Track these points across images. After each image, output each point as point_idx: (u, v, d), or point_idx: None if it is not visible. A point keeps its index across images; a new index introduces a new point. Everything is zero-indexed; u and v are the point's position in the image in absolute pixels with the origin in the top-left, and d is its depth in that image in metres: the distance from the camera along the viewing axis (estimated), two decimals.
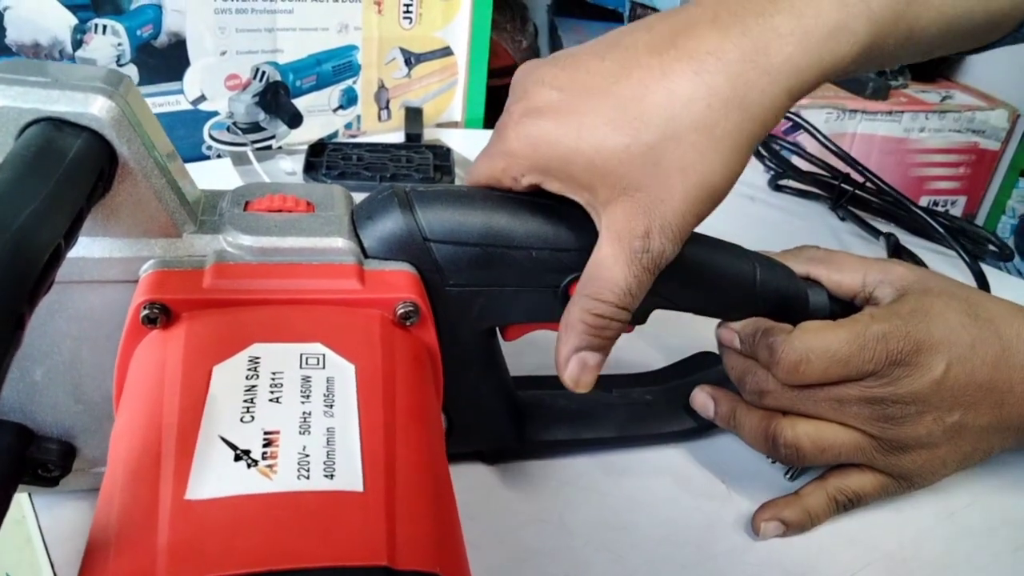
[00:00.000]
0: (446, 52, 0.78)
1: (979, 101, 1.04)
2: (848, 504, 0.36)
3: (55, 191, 0.21)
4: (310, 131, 0.73)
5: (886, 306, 0.36)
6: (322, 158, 0.66)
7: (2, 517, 0.20)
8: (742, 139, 0.28)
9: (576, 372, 0.31)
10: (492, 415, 0.35)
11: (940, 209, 1.09)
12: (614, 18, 0.99)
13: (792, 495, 0.37)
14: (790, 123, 0.96)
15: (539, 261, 0.31)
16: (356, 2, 0.70)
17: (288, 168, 0.68)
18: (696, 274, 0.34)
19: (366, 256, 0.29)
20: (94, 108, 0.24)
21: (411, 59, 0.77)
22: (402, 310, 0.28)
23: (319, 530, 0.19)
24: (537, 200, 0.31)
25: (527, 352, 0.36)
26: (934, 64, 1.11)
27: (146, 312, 0.25)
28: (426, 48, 0.77)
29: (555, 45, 1.01)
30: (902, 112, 0.98)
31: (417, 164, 0.68)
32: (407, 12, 0.74)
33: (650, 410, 0.39)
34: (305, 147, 0.68)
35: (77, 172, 0.23)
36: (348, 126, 0.76)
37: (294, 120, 0.72)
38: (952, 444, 0.35)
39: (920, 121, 0.99)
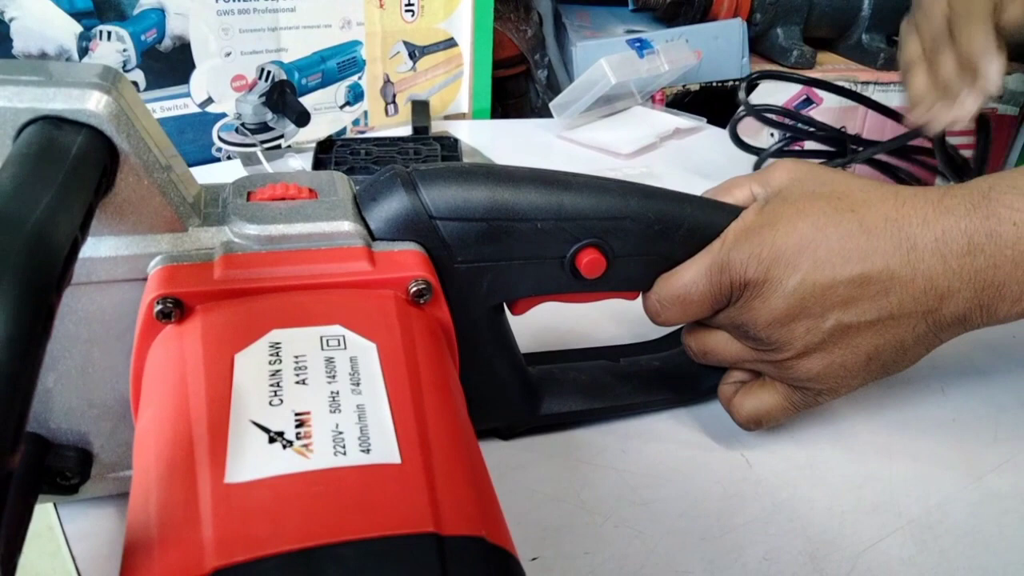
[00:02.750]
0: (450, 44, 0.78)
1: None
2: (750, 418, 0.37)
3: (65, 186, 0.21)
4: (318, 129, 0.74)
5: (741, 223, 0.35)
6: (330, 154, 0.66)
7: (25, 530, 0.20)
8: None
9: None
10: (506, 390, 0.35)
11: (957, 178, 1.08)
12: (618, 2, 0.98)
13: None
14: (803, 97, 0.95)
15: (544, 232, 0.31)
16: None
17: (297, 166, 0.68)
18: (684, 231, 0.34)
19: (373, 238, 0.29)
20: (91, 104, 0.24)
21: (415, 52, 0.77)
22: (414, 288, 0.28)
23: (363, 503, 0.20)
24: (539, 172, 0.31)
25: (533, 329, 0.37)
26: None
27: (160, 307, 0.25)
28: (430, 40, 0.77)
29: (560, 33, 1.01)
30: None
31: (425, 156, 0.68)
32: (409, 5, 0.74)
33: (659, 375, 0.40)
34: (314, 145, 0.68)
35: (83, 168, 0.23)
36: (356, 122, 0.76)
37: (301, 118, 0.72)
38: (845, 347, 0.34)
39: None
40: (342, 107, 0.74)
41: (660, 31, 0.87)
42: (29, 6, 0.55)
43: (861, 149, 0.65)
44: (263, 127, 0.70)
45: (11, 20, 0.55)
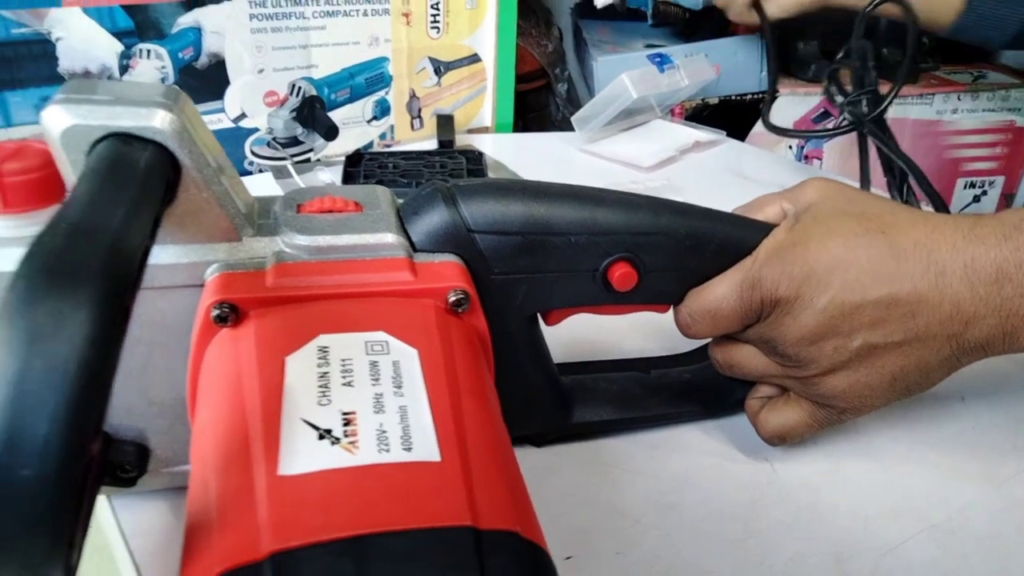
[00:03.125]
0: (474, 59, 0.80)
1: (1012, 79, 1.03)
2: (774, 433, 0.38)
3: (136, 198, 0.23)
4: (346, 143, 0.76)
5: (773, 240, 0.35)
6: (359, 168, 0.68)
7: (89, 519, 0.21)
8: None
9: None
10: (538, 398, 0.36)
11: (978, 191, 1.08)
12: (637, 17, 1.00)
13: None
14: (821, 110, 0.96)
15: (578, 246, 0.32)
16: (385, 15, 0.72)
17: (327, 179, 0.70)
18: (715, 247, 0.35)
19: (415, 250, 0.31)
20: (156, 122, 0.26)
21: (440, 68, 0.79)
22: (453, 298, 0.29)
23: (405, 497, 0.21)
24: (573, 188, 0.32)
25: (566, 338, 0.38)
26: (964, 44, 1.10)
27: (217, 312, 0.27)
28: (454, 56, 0.79)
29: (580, 47, 1.03)
30: (933, 94, 0.98)
31: (451, 169, 0.69)
32: (435, 22, 0.76)
33: (689, 387, 0.41)
34: (342, 158, 0.70)
35: (150, 181, 0.25)
36: (382, 136, 0.78)
37: (330, 133, 0.74)
38: (870, 367, 0.34)
39: (952, 102, 0.99)
40: (369, 121, 0.76)
41: (679, 46, 0.89)
42: (74, 26, 0.57)
43: None
44: (293, 141, 0.72)
45: (58, 40, 0.57)
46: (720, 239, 0.35)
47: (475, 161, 0.71)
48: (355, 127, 0.76)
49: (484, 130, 0.85)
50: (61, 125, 0.25)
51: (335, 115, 0.74)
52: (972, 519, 0.37)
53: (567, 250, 0.32)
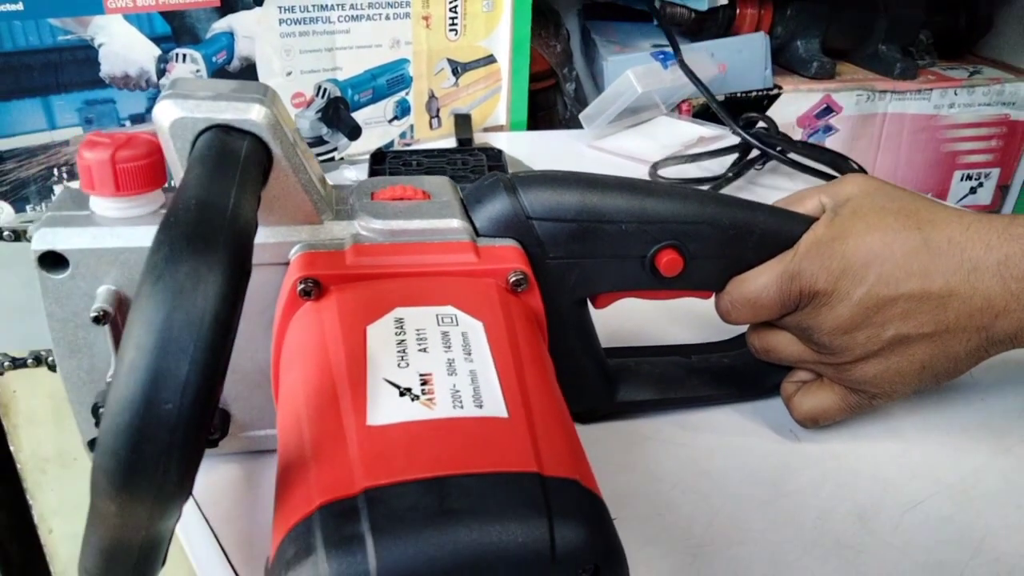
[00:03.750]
0: (490, 60, 0.83)
1: (1007, 73, 1.06)
2: (808, 416, 0.40)
3: (242, 181, 0.25)
4: (368, 142, 0.78)
5: (812, 235, 0.37)
6: (384, 165, 0.71)
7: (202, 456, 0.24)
8: None
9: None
10: (587, 378, 0.39)
11: (975, 183, 1.11)
12: (644, 18, 1.03)
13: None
14: (824, 106, 0.99)
15: (628, 234, 0.35)
16: (406, 19, 0.75)
17: (352, 177, 0.73)
18: (757, 237, 0.38)
19: (478, 234, 0.33)
20: (253, 115, 0.28)
21: (458, 68, 0.82)
22: (513, 278, 0.32)
23: (478, 446, 0.24)
24: (624, 180, 0.35)
25: (614, 325, 0.40)
26: (960, 40, 1.13)
27: (302, 287, 0.30)
28: (471, 57, 0.81)
29: (587, 47, 1.05)
30: (931, 89, 1.01)
31: (472, 166, 0.72)
32: (453, 24, 0.78)
33: (728, 372, 0.43)
34: (365, 157, 0.73)
35: (250, 167, 0.27)
36: (403, 135, 0.81)
37: (354, 132, 0.77)
38: (902, 356, 0.36)
39: (949, 97, 1.02)
40: (390, 121, 0.79)
41: (686, 45, 0.92)
42: (115, 32, 0.60)
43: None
44: (319, 141, 0.75)
45: (100, 46, 0.60)
46: (762, 230, 0.37)
47: (494, 158, 0.74)
48: (377, 127, 0.78)
49: (499, 128, 0.87)
50: (170, 117, 0.28)
51: (358, 115, 0.76)
52: (983, 479, 0.40)
53: (618, 237, 0.35)
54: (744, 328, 0.43)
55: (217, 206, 0.23)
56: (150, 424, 0.19)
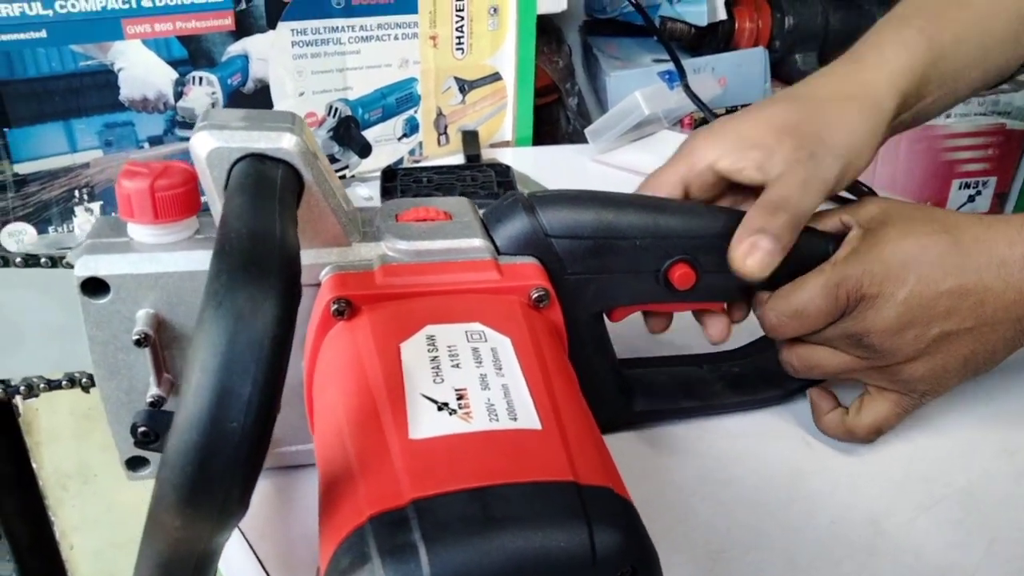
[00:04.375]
0: (496, 77, 0.85)
1: (1001, 84, 1.08)
2: (871, 429, 0.41)
3: (281, 209, 0.27)
4: (378, 159, 0.80)
5: (848, 247, 0.39)
6: (396, 183, 0.72)
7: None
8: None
9: (744, 250, 0.37)
10: (604, 389, 0.40)
11: (973, 191, 1.13)
12: (644, 33, 1.05)
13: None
14: None
15: (642, 249, 0.36)
16: (414, 39, 0.77)
17: (364, 194, 0.74)
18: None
19: (499, 253, 0.35)
20: (285, 143, 0.30)
21: (465, 86, 0.83)
22: (535, 295, 0.33)
23: (516, 456, 0.25)
24: (638, 197, 0.36)
25: (626, 336, 0.42)
26: None
27: (335, 307, 0.31)
28: (478, 75, 0.83)
29: (589, 62, 1.07)
30: None
31: (481, 182, 0.73)
32: (459, 43, 0.80)
33: (740, 381, 0.44)
34: (375, 174, 0.74)
35: (287, 194, 0.29)
36: (412, 152, 0.82)
37: (364, 151, 0.78)
38: (946, 352, 0.38)
39: None
40: (400, 139, 0.80)
41: (686, 60, 0.93)
42: (134, 57, 0.61)
43: None
44: (330, 159, 0.76)
45: (119, 70, 0.61)
46: None
47: (503, 174, 0.75)
48: (387, 144, 0.80)
49: (505, 144, 0.89)
50: (207, 147, 0.29)
51: (368, 134, 0.78)
52: (991, 483, 0.41)
53: (632, 252, 0.36)
54: (746, 340, 0.44)
55: (267, 234, 0.24)
56: (217, 442, 0.20)
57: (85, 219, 0.64)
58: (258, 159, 0.29)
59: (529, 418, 0.26)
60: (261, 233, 0.24)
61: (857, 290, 0.38)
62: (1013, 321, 0.38)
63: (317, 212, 0.32)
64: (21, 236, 0.61)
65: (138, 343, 0.32)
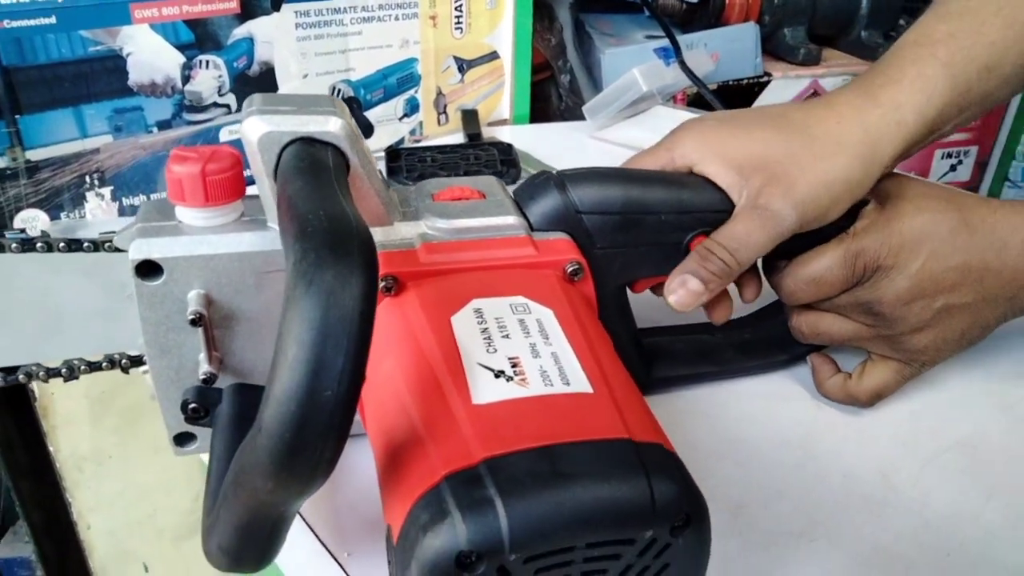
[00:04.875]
0: (493, 56, 0.86)
1: None
2: (872, 394, 0.43)
3: (342, 190, 0.28)
4: (380, 139, 0.81)
5: (866, 220, 0.41)
6: (400, 163, 0.73)
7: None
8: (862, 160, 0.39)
9: (674, 286, 0.38)
10: (626, 356, 0.42)
11: (955, 161, 1.16)
12: (635, 9, 1.06)
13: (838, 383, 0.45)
14: (812, 92, 1.02)
15: (666, 223, 0.38)
16: (414, 19, 0.77)
17: None
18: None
19: (532, 229, 0.36)
20: (332, 127, 0.31)
21: (463, 65, 0.84)
22: (570, 269, 0.35)
23: (574, 417, 0.27)
24: (663, 175, 0.38)
25: (641, 307, 0.44)
26: None
27: (383, 283, 0.32)
28: (476, 55, 0.84)
29: (582, 39, 1.08)
30: None
31: (485, 160, 0.75)
32: (458, 23, 0.81)
33: (750, 346, 0.47)
34: (379, 154, 0.75)
35: (339, 176, 0.30)
36: (412, 132, 0.83)
37: (367, 131, 0.79)
38: (947, 324, 0.41)
39: None
40: (401, 119, 0.81)
41: (679, 36, 0.95)
42: (142, 42, 0.62)
43: None
44: None
45: (128, 55, 0.61)
46: None
47: (505, 152, 0.76)
48: (388, 124, 0.81)
49: (503, 122, 0.90)
50: (259, 132, 0.30)
51: (370, 114, 0.79)
52: (989, 435, 0.43)
53: (657, 226, 0.38)
54: (742, 308, 0.46)
55: (343, 216, 0.25)
56: (313, 410, 0.21)
57: (96, 204, 0.64)
58: (308, 143, 0.31)
59: (580, 383, 0.28)
60: (336, 215, 0.25)
61: (875, 260, 0.40)
62: (1006, 299, 0.41)
63: (362, 192, 0.33)
64: (34, 222, 0.62)
65: (193, 323, 0.33)
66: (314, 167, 0.29)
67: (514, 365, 0.29)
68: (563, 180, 0.37)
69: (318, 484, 0.24)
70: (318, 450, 0.22)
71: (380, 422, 0.30)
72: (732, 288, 0.43)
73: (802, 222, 0.38)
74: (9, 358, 0.39)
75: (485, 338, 0.30)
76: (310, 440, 0.22)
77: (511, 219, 0.35)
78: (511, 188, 0.39)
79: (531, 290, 0.33)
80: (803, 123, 0.40)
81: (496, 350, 0.29)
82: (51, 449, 0.71)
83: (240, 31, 0.66)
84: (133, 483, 0.77)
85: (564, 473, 0.24)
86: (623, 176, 0.38)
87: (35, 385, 0.67)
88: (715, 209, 0.39)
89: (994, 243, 0.40)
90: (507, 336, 0.30)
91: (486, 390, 0.27)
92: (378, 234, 0.34)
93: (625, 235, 0.38)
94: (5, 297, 0.38)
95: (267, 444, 0.22)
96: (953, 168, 1.17)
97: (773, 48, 1.06)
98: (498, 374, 0.28)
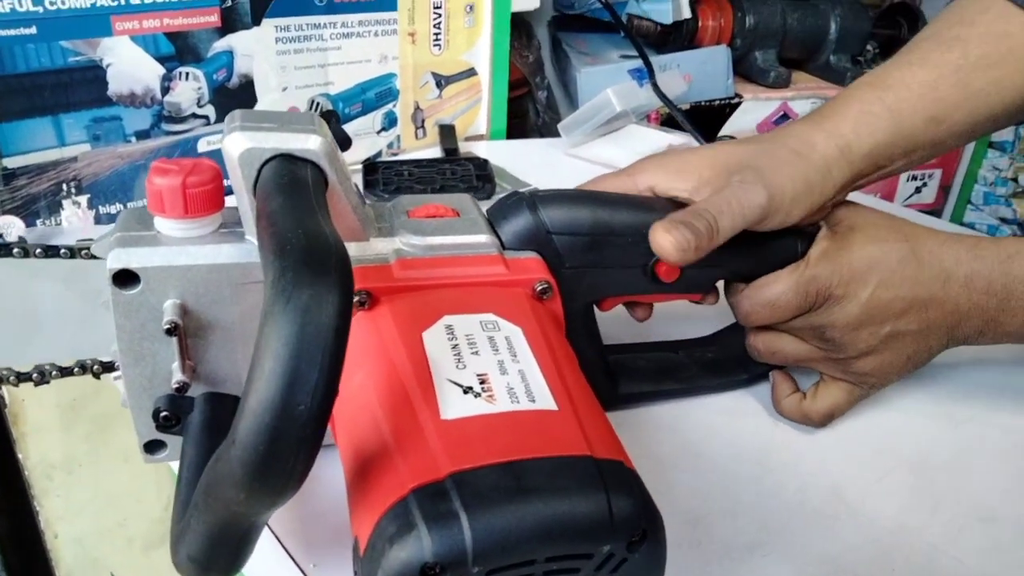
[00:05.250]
0: (471, 73, 0.87)
1: None
2: (824, 414, 0.45)
3: (320, 208, 0.29)
4: (357, 152, 0.82)
5: (820, 249, 0.42)
6: (377, 176, 0.74)
7: None
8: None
9: (664, 227, 0.37)
10: (592, 372, 0.43)
11: (919, 183, 1.20)
12: (612, 29, 1.08)
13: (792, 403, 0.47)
14: (781, 113, 1.05)
15: (633, 245, 0.39)
16: (393, 35, 0.79)
17: None
18: (746, 249, 0.42)
19: (504, 248, 0.37)
20: (312, 144, 0.32)
21: (441, 81, 0.85)
22: (539, 287, 0.36)
23: (538, 434, 0.28)
24: (631, 198, 0.39)
25: (609, 325, 0.45)
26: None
27: (357, 298, 0.33)
28: (454, 71, 0.86)
29: (559, 57, 1.10)
30: None
31: (460, 175, 0.76)
32: (436, 40, 0.82)
33: (713, 365, 0.48)
34: (356, 167, 0.76)
35: (317, 193, 0.31)
36: (390, 145, 0.84)
37: (344, 144, 0.80)
38: (893, 349, 0.43)
39: None
40: (379, 132, 0.82)
41: (653, 57, 0.97)
42: (122, 53, 0.62)
43: None
44: None
45: (108, 66, 0.62)
46: (750, 242, 0.42)
47: (481, 167, 0.78)
48: (366, 138, 0.82)
49: (479, 137, 0.92)
50: (240, 147, 0.31)
51: (348, 127, 0.79)
52: (936, 453, 0.45)
53: (624, 248, 0.39)
54: (718, 327, 0.48)
55: (320, 233, 0.26)
56: (287, 422, 0.22)
57: (73, 212, 0.65)
58: (288, 159, 0.31)
59: (545, 400, 0.29)
60: (315, 234, 0.26)
61: (826, 289, 0.42)
62: (947, 328, 0.43)
63: (339, 209, 0.34)
64: (9, 229, 0.62)
65: (168, 332, 0.34)
66: (294, 184, 0.30)
67: (482, 381, 0.30)
68: (535, 201, 0.38)
69: (289, 495, 0.24)
70: (291, 462, 0.23)
71: (350, 434, 0.31)
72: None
73: (771, 205, 0.40)
74: None
75: (455, 354, 0.31)
76: (283, 452, 0.23)
77: (483, 237, 0.37)
78: (485, 206, 0.41)
79: (501, 307, 0.34)
80: (758, 140, 0.43)
81: (465, 366, 0.31)
82: (20, 456, 0.71)
83: (220, 44, 0.67)
84: (103, 491, 0.77)
85: (527, 488, 0.25)
86: (593, 198, 0.39)
87: (5, 391, 0.67)
88: None
89: (940, 275, 0.42)
90: (476, 353, 0.31)
91: (454, 405, 0.28)
92: (353, 249, 0.35)
93: (593, 255, 0.39)
94: None
95: (240, 455, 0.23)
96: (918, 191, 1.21)
97: (745, 70, 1.09)
98: (466, 390, 0.29)
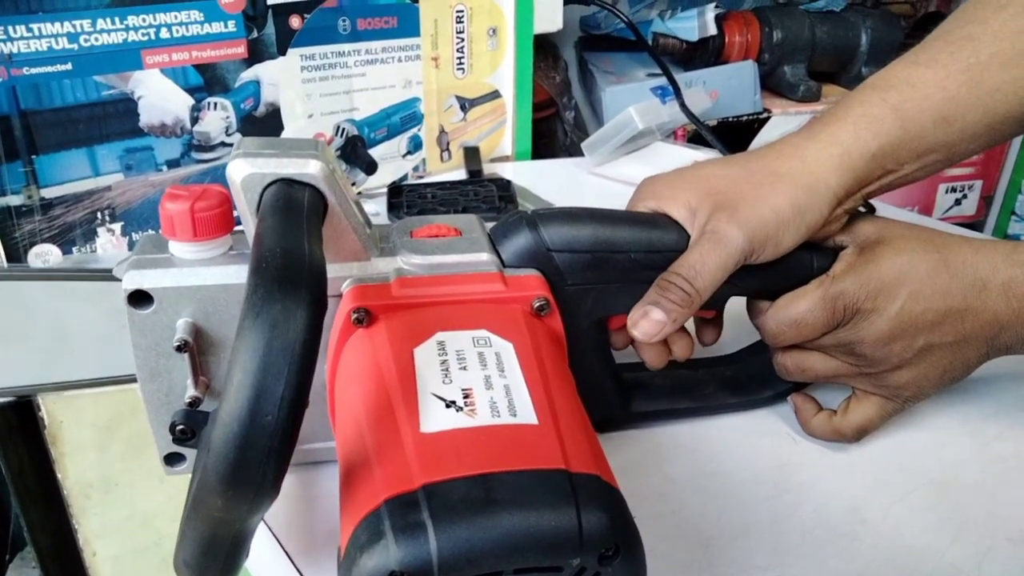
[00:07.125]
0: (495, 95, 0.88)
1: None
2: (858, 429, 0.44)
3: (309, 229, 0.30)
4: (383, 176, 0.83)
5: (845, 263, 0.41)
6: (402, 199, 0.76)
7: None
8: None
9: (636, 318, 0.39)
10: (603, 389, 0.43)
11: (959, 195, 1.16)
12: (638, 48, 1.08)
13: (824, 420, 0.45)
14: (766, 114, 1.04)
15: (636, 262, 0.39)
16: (417, 60, 0.80)
17: (372, 210, 0.77)
18: (757, 265, 0.41)
19: (504, 266, 0.38)
20: (311, 169, 0.33)
21: (466, 104, 0.87)
22: (537, 304, 0.36)
23: (515, 447, 0.28)
24: (633, 215, 0.39)
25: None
26: None
27: (356, 316, 0.34)
28: (478, 94, 0.87)
29: (585, 77, 1.11)
30: None
31: (483, 197, 0.77)
32: (460, 64, 0.84)
33: (731, 383, 0.47)
34: (382, 190, 0.77)
35: (313, 215, 0.32)
36: (416, 169, 0.85)
37: (370, 168, 0.82)
38: (928, 362, 0.41)
39: None
40: (404, 156, 0.84)
41: (679, 74, 0.97)
42: (152, 85, 0.65)
43: None
44: None
45: (139, 98, 0.65)
46: (757, 263, 0.41)
47: (504, 188, 0.78)
48: (392, 162, 0.83)
49: (505, 159, 0.92)
50: (242, 173, 0.32)
51: (374, 152, 0.81)
52: (962, 473, 0.44)
53: (628, 265, 0.39)
54: (740, 346, 0.47)
55: (297, 252, 0.27)
56: (254, 432, 0.23)
57: (107, 239, 0.67)
58: (287, 183, 0.33)
59: (527, 414, 0.29)
60: (291, 251, 0.27)
61: (854, 304, 0.40)
62: (986, 339, 0.41)
63: (339, 230, 0.35)
64: (47, 257, 0.65)
65: (179, 349, 0.35)
66: (287, 206, 0.31)
67: (466, 396, 0.30)
68: (535, 219, 0.38)
69: (266, 502, 0.25)
70: (260, 471, 0.24)
71: (343, 447, 0.31)
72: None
73: (752, 245, 0.39)
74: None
75: (443, 369, 0.31)
76: (252, 461, 0.23)
77: (483, 256, 0.37)
78: (489, 226, 0.41)
79: (495, 324, 0.34)
80: (745, 160, 0.42)
81: (451, 381, 0.31)
82: (59, 476, 0.73)
83: (247, 74, 0.69)
84: (138, 510, 0.79)
85: (496, 500, 0.25)
86: (593, 216, 0.39)
87: (44, 413, 0.70)
88: (683, 248, 0.40)
89: (975, 284, 0.40)
90: (464, 368, 0.32)
91: (435, 419, 0.29)
92: (355, 269, 0.36)
93: (596, 273, 0.39)
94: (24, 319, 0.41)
95: (213, 464, 0.24)
96: (958, 202, 1.17)
97: (774, 85, 1.08)
98: (449, 404, 0.30)
